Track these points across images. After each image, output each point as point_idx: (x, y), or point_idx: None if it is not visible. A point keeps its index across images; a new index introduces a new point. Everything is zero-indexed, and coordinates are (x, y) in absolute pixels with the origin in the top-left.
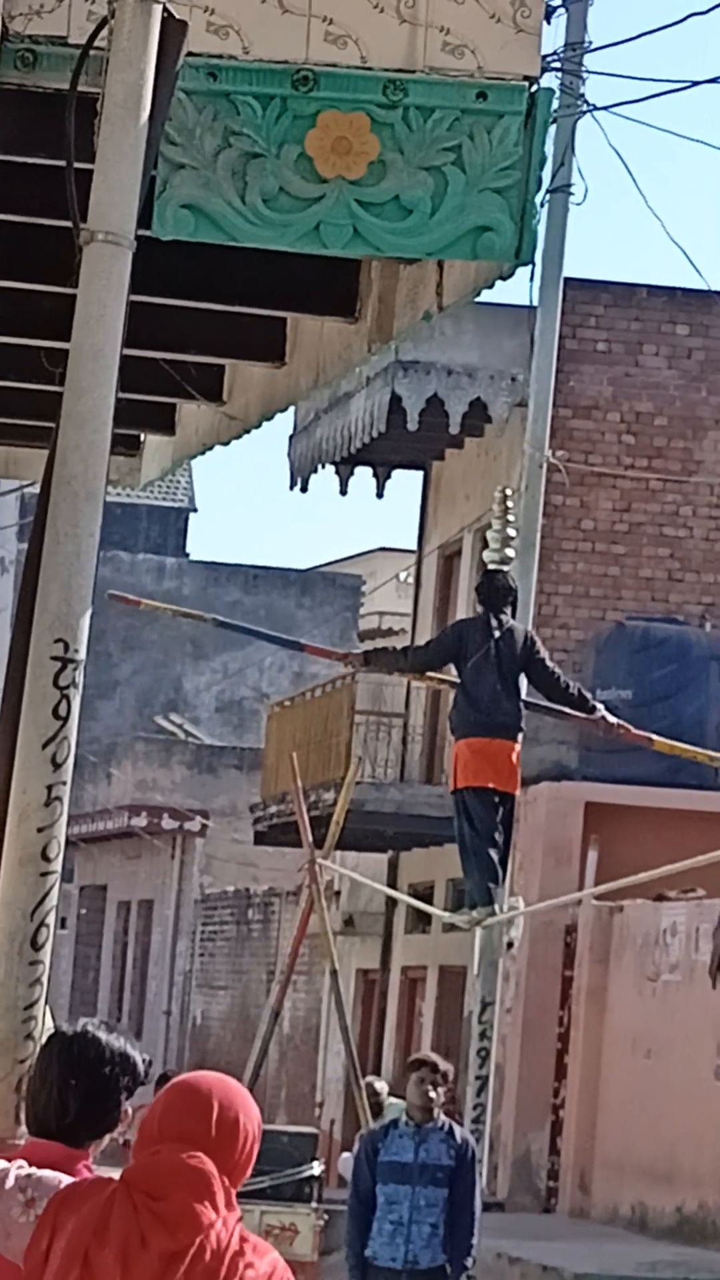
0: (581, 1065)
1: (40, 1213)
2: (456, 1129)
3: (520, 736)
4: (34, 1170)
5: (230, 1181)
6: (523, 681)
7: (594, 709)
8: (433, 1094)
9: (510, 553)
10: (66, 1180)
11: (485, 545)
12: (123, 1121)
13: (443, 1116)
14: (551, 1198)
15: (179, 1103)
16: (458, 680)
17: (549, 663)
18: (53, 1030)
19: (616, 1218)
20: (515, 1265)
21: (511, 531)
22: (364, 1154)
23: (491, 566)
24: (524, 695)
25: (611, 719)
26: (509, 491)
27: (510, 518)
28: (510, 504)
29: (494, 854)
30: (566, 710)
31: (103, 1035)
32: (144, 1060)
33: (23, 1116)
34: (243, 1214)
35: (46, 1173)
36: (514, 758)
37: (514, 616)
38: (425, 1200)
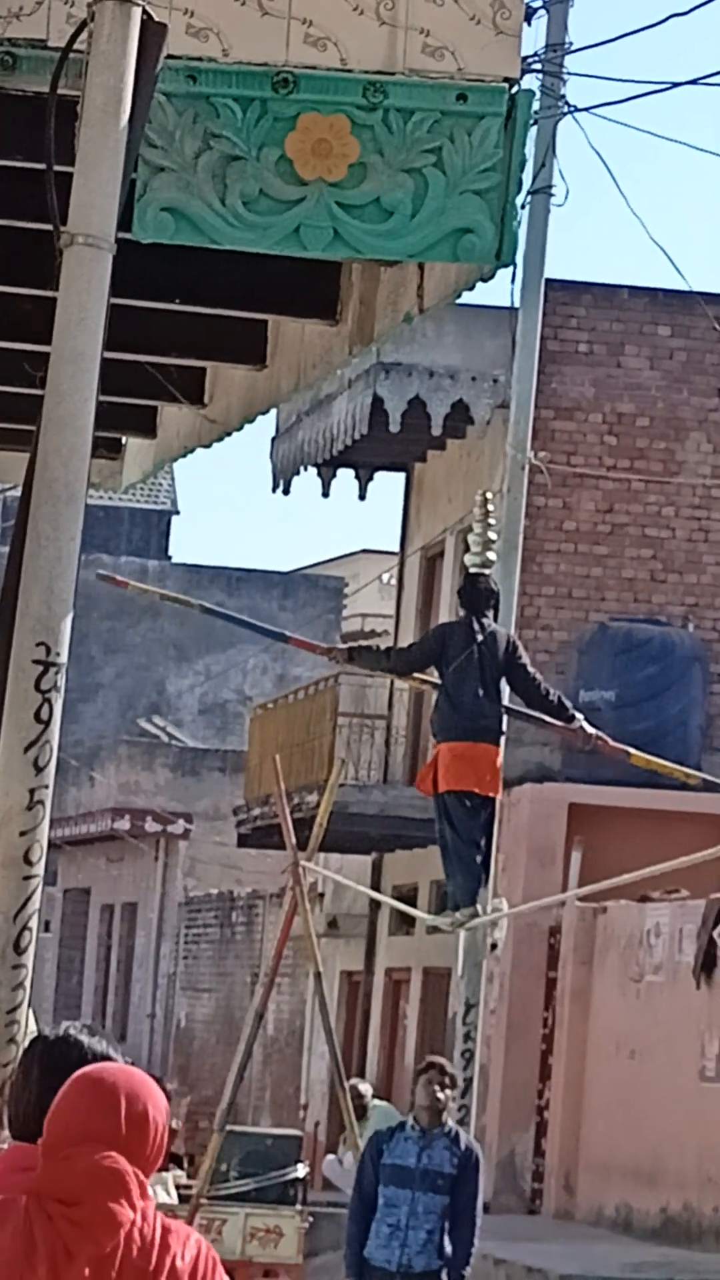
0: (566, 1066)
1: None
2: (462, 1136)
3: (502, 740)
4: None
5: (144, 1174)
6: (505, 686)
7: (573, 718)
8: (441, 1095)
9: (492, 555)
10: None
11: (467, 548)
12: None
13: (451, 1122)
14: (536, 1199)
15: (85, 1101)
16: (439, 682)
17: (530, 668)
18: (35, 1034)
19: (601, 1219)
20: (500, 1267)
21: (493, 534)
22: (369, 1155)
23: (473, 570)
24: (505, 700)
25: (590, 729)
26: (490, 495)
27: (492, 521)
28: (491, 507)
29: (476, 857)
30: (545, 718)
31: (84, 1038)
32: (127, 1064)
33: (4, 1120)
34: (228, 1217)
35: None
36: (496, 762)
37: (496, 619)
38: (424, 1206)
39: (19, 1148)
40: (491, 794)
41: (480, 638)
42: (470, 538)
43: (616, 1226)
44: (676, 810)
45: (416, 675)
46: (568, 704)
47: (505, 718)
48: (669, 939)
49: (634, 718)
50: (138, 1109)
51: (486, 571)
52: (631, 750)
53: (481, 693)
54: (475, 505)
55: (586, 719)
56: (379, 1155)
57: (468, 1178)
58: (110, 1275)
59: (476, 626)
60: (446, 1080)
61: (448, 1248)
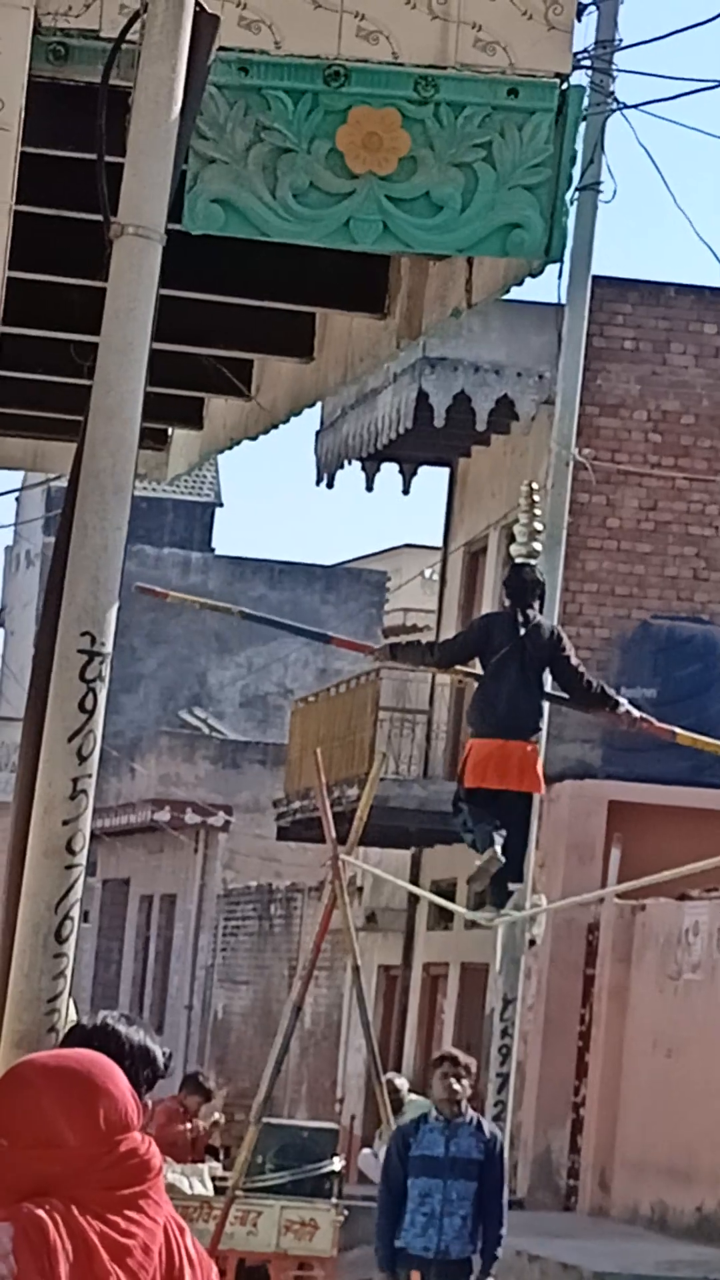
0: (602, 1064)
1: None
2: (485, 1123)
3: (537, 735)
4: None
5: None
6: (547, 677)
7: (617, 705)
8: (457, 1087)
9: (537, 546)
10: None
11: (512, 540)
12: (143, 1115)
13: (471, 1111)
14: (571, 1196)
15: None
16: (481, 675)
17: (574, 660)
18: (73, 1023)
19: (636, 1216)
20: (535, 1263)
21: (539, 525)
22: (396, 1148)
23: (519, 560)
24: (548, 688)
25: (635, 713)
26: (535, 486)
27: (538, 511)
28: (537, 498)
29: (498, 824)
30: (589, 708)
31: (122, 1028)
32: (164, 1054)
33: None
34: (263, 1210)
35: None
36: (530, 757)
37: (541, 610)
38: (456, 1193)
39: None
40: (524, 789)
41: (524, 630)
42: (515, 528)
43: (651, 1224)
44: (717, 809)
45: (459, 668)
46: (610, 691)
47: (544, 713)
48: (707, 937)
49: (675, 715)
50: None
51: (532, 562)
52: (677, 730)
53: (519, 688)
54: (521, 496)
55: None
56: (406, 1148)
57: (494, 1163)
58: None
59: (521, 618)
60: (461, 1071)
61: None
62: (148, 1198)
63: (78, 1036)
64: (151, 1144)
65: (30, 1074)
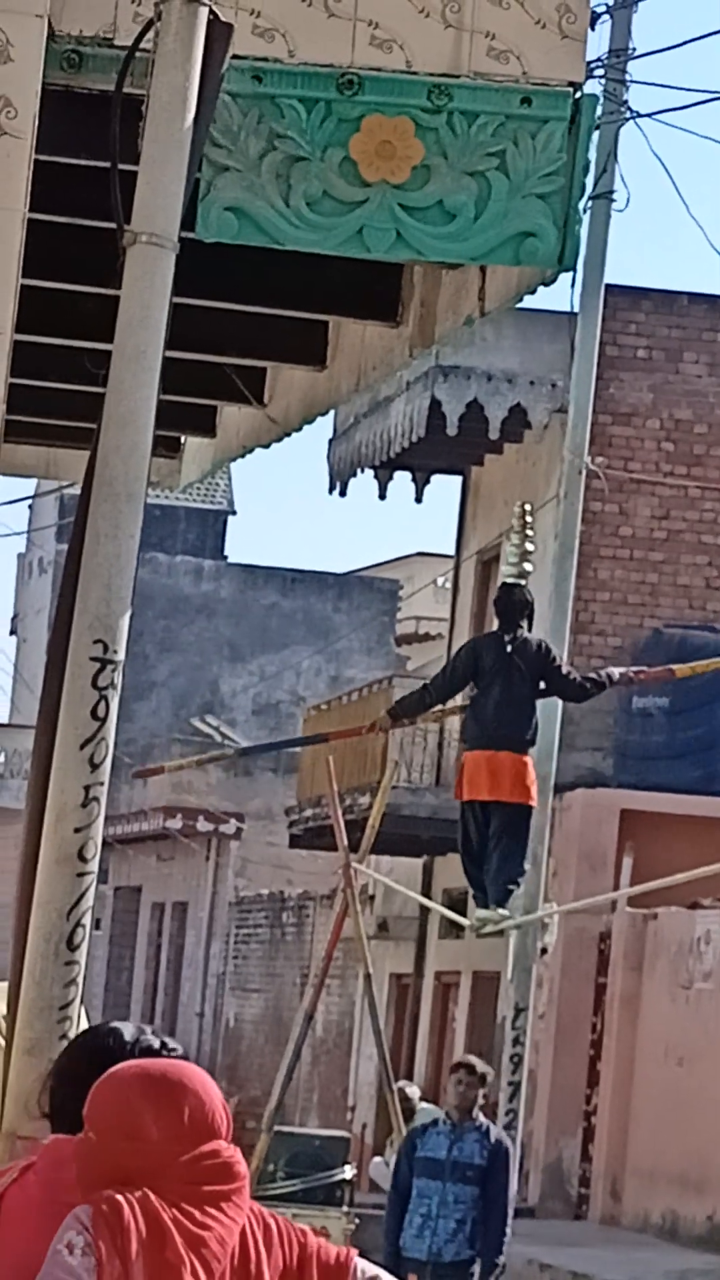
0: (614, 1072)
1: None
2: (493, 1129)
3: (529, 748)
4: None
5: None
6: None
7: (608, 679)
8: (470, 1095)
9: (528, 566)
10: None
11: (497, 559)
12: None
13: (481, 1117)
14: (582, 1204)
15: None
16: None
17: (564, 668)
18: (99, 1027)
19: (647, 1225)
20: (546, 1272)
21: (530, 546)
22: (404, 1150)
23: (509, 580)
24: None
25: (629, 672)
26: (528, 506)
27: (529, 532)
28: (529, 518)
29: (483, 867)
30: (588, 697)
31: (125, 1027)
32: (170, 1052)
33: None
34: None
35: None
36: (520, 768)
37: (530, 629)
38: (454, 1196)
39: (63, 1140)
40: (516, 799)
41: (510, 648)
42: (507, 548)
43: (662, 1233)
44: None
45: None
46: (597, 676)
47: (536, 727)
48: (719, 946)
49: (686, 724)
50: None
51: (522, 582)
52: (674, 667)
53: (503, 701)
54: (513, 516)
55: (641, 726)
56: (413, 1150)
57: (498, 1168)
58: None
59: (508, 638)
60: (475, 1079)
61: (479, 1238)
62: (229, 1200)
63: (79, 1037)
64: (238, 1153)
65: (124, 1073)
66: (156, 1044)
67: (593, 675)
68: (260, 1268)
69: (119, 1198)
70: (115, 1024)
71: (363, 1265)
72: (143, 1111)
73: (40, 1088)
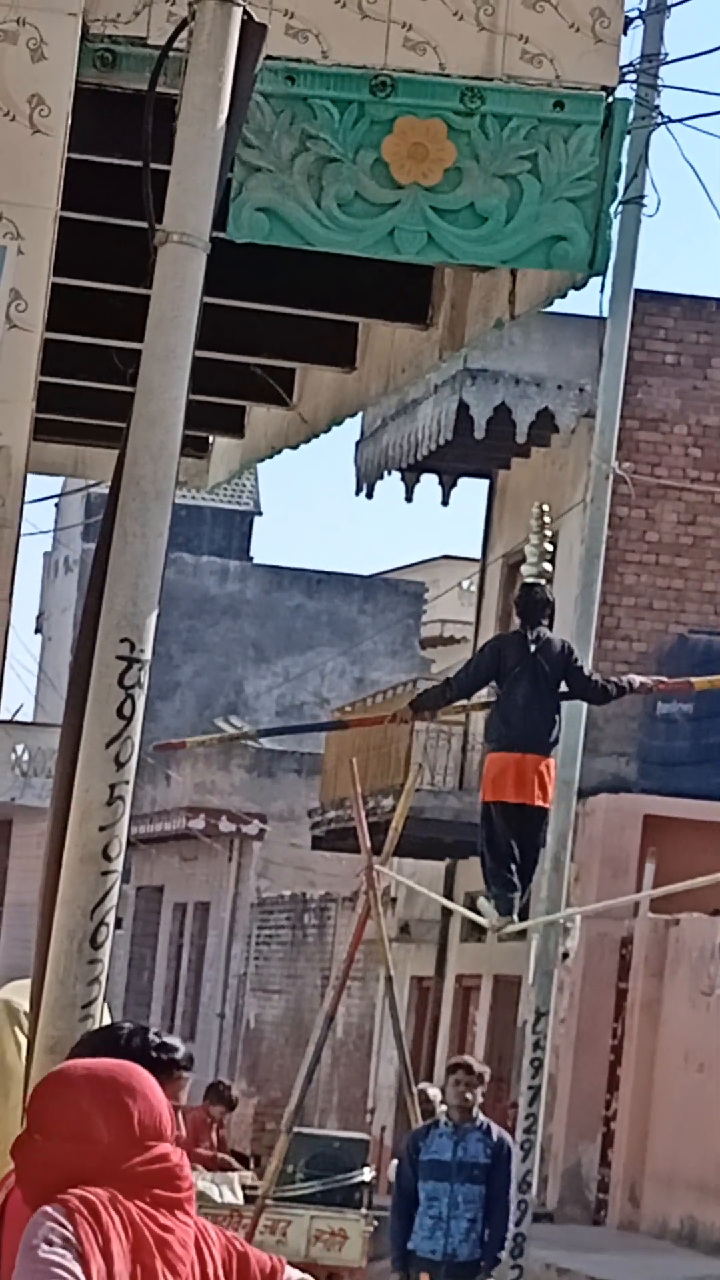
0: (634, 1078)
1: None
2: (494, 1128)
3: (552, 750)
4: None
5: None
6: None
7: (629, 685)
8: (469, 1095)
9: (548, 566)
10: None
11: (523, 559)
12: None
13: (481, 1116)
14: (601, 1210)
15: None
16: (495, 698)
17: (586, 670)
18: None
19: (666, 1231)
20: (564, 1277)
21: (549, 546)
22: (407, 1153)
23: (529, 580)
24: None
25: (648, 681)
26: (546, 507)
27: (548, 533)
28: (548, 519)
29: (513, 868)
30: (609, 701)
31: (121, 1028)
32: (169, 1052)
33: None
34: (293, 1219)
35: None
36: (543, 771)
37: (551, 629)
38: (463, 1196)
39: None
40: (536, 802)
41: (534, 647)
42: (526, 549)
43: (681, 1239)
44: None
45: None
46: (618, 681)
47: (559, 728)
48: None
49: (711, 730)
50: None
51: (542, 583)
52: (693, 680)
53: (531, 702)
54: (532, 517)
55: (664, 731)
56: (416, 1153)
57: (501, 1166)
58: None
59: (531, 636)
60: (473, 1079)
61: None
62: (181, 1207)
63: (81, 1040)
64: (184, 1157)
65: (71, 1073)
66: (156, 1043)
67: (615, 680)
68: (217, 1272)
69: (91, 1196)
70: (114, 1024)
71: (292, 1273)
72: (92, 1114)
73: None
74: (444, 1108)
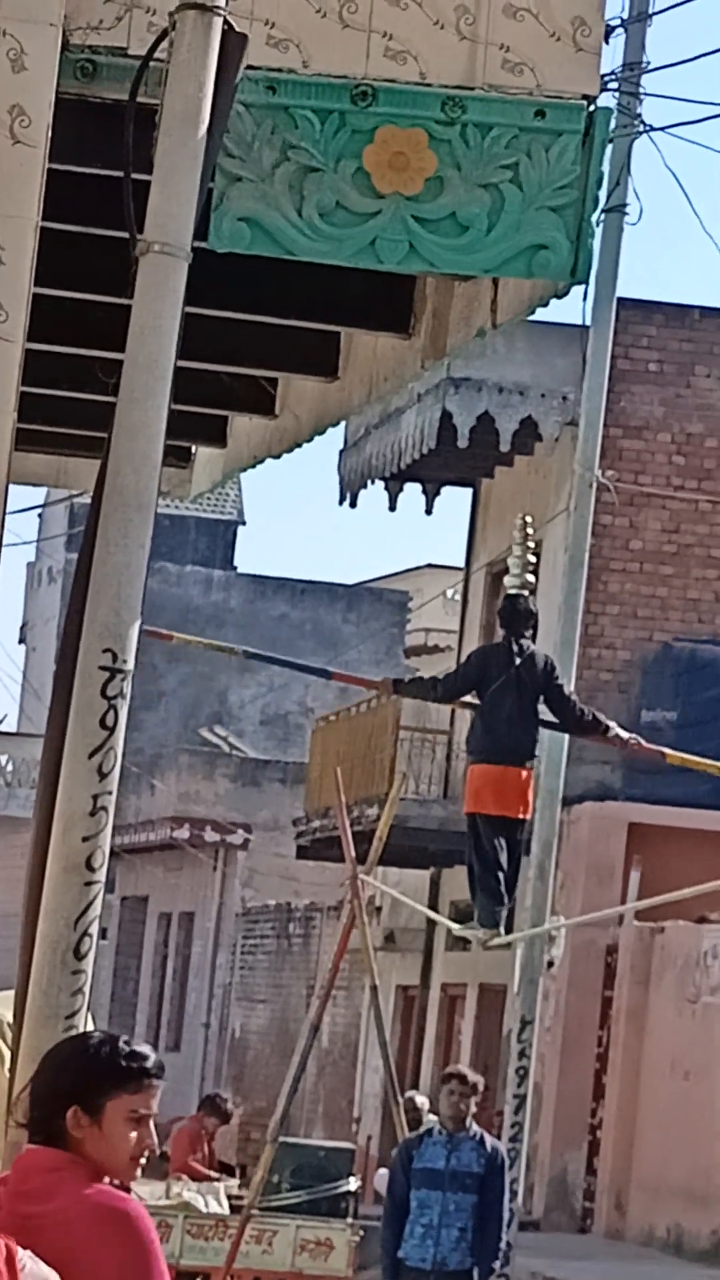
0: (620, 1086)
1: None
2: (487, 1138)
3: (533, 761)
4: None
5: None
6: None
7: (607, 729)
8: (463, 1105)
9: (531, 578)
10: None
11: (506, 570)
12: (74, 1119)
13: (475, 1126)
14: (587, 1218)
15: None
16: (478, 704)
17: (566, 689)
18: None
19: (652, 1239)
20: None
21: (532, 557)
22: (400, 1161)
23: (512, 591)
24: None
25: (624, 735)
26: (529, 518)
27: (530, 544)
28: (530, 530)
29: (500, 877)
30: (581, 734)
31: (94, 1035)
32: (139, 1060)
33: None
34: (278, 1229)
35: None
36: (525, 784)
37: (535, 640)
38: (455, 1205)
39: (35, 1150)
40: (518, 815)
41: (519, 659)
42: (509, 560)
43: (667, 1247)
44: None
45: (460, 701)
46: (600, 717)
47: (537, 740)
48: None
49: (696, 738)
50: None
51: (525, 593)
52: (666, 750)
53: (516, 714)
54: (515, 529)
55: (649, 739)
56: (409, 1161)
57: (495, 1176)
58: None
59: (515, 648)
60: (467, 1089)
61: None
62: None
63: (50, 1050)
64: None
65: None
66: (126, 1051)
67: (596, 714)
68: (15, 1274)
69: None
70: (84, 1033)
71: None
72: None
73: (24, 1098)
74: (433, 1117)
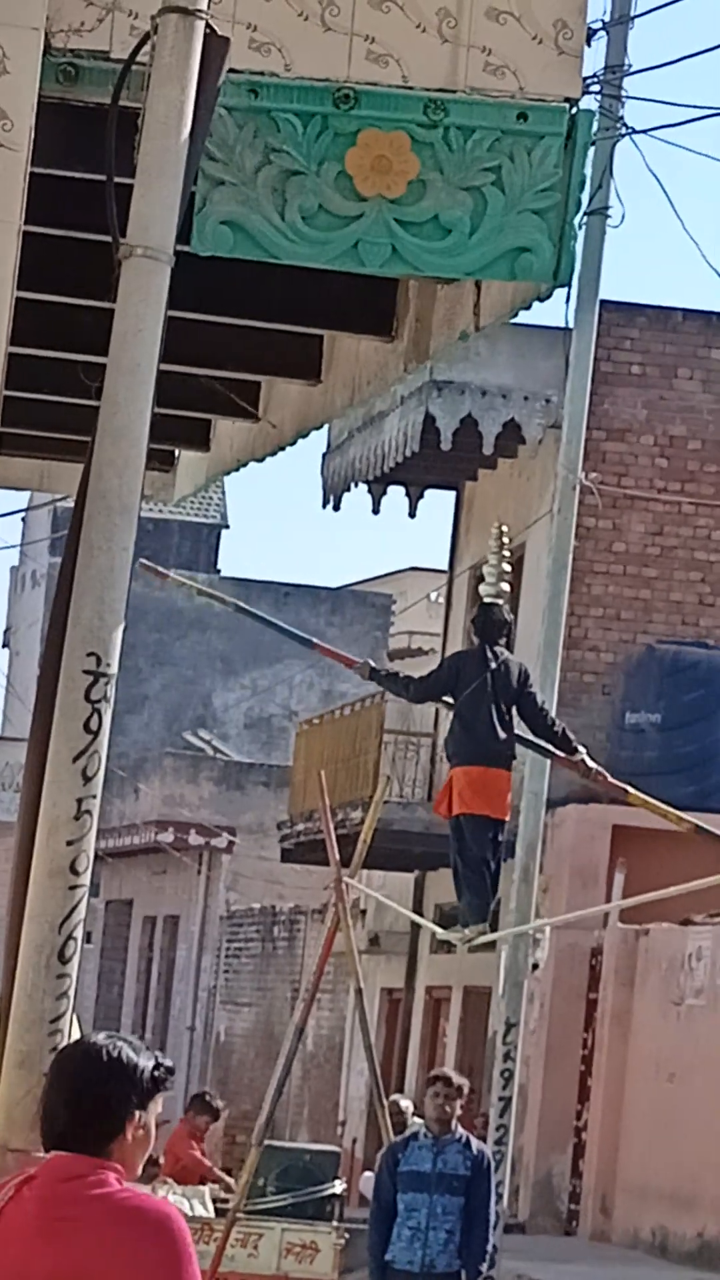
0: (604, 1088)
1: None
2: (473, 1141)
3: (512, 764)
4: None
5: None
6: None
7: (576, 750)
8: (448, 1108)
9: (505, 586)
10: None
11: (481, 579)
12: (130, 1129)
13: (460, 1129)
14: (573, 1220)
15: None
16: (452, 703)
17: (539, 699)
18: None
19: (637, 1241)
20: None
21: (507, 566)
22: (386, 1164)
23: (487, 600)
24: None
25: (591, 764)
26: (505, 527)
27: (506, 552)
28: (507, 539)
29: (486, 876)
30: (550, 748)
31: (101, 1043)
32: (150, 1068)
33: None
34: (264, 1232)
35: None
36: (507, 786)
37: (510, 649)
38: (442, 1208)
39: (64, 1157)
40: (502, 817)
41: (494, 665)
42: (485, 569)
43: (653, 1249)
44: None
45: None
46: (572, 737)
47: (514, 745)
48: (710, 962)
49: (680, 741)
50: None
51: (500, 602)
52: (629, 788)
53: (495, 719)
54: (491, 537)
55: (633, 741)
56: (395, 1164)
57: (481, 1179)
58: None
59: (490, 655)
60: (452, 1091)
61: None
62: None
63: (57, 1055)
64: None
65: None
66: (155, 1060)
67: (568, 733)
68: None
69: None
70: (87, 1040)
71: None
72: None
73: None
74: (417, 1120)
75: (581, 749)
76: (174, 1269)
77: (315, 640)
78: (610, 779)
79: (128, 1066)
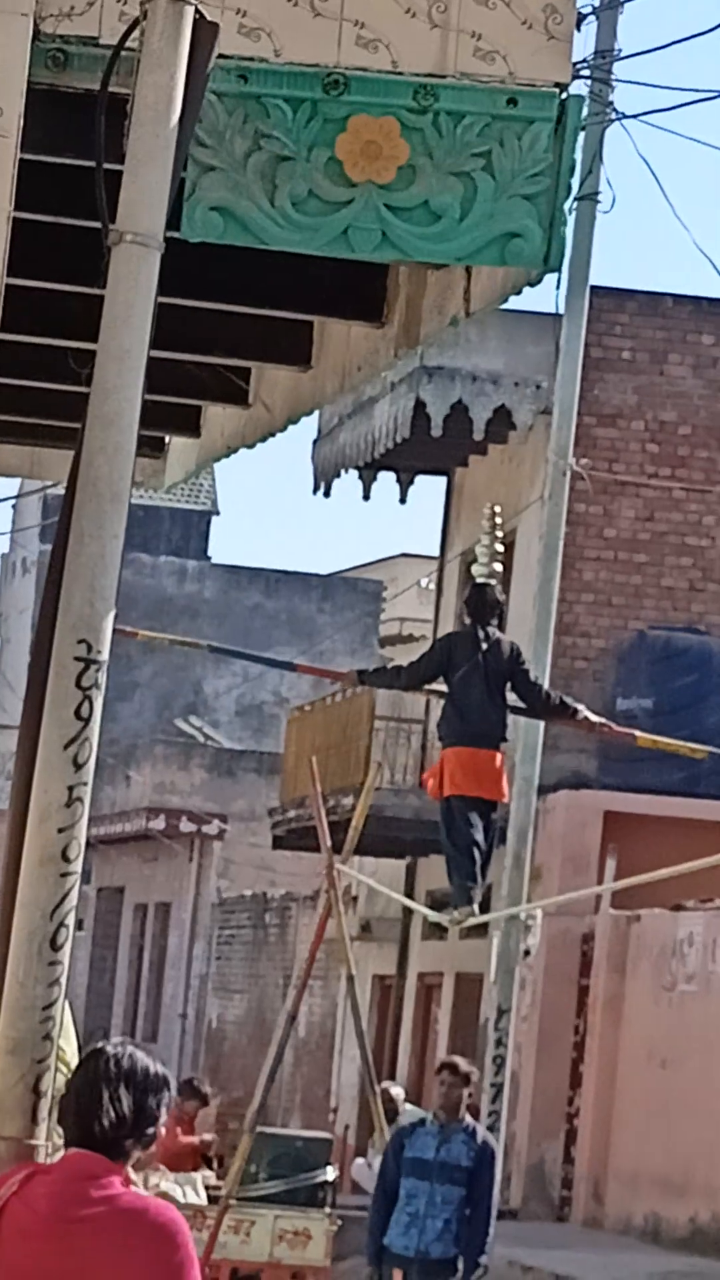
0: (597, 1074)
1: None
2: (479, 1130)
3: (504, 745)
4: None
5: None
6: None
7: (575, 711)
8: (455, 1095)
9: (498, 567)
10: None
11: (474, 560)
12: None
13: (469, 1118)
14: (565, 1207)
15: None
16: (445, 690)
17: (532, 674)
18: (96, 1045)
19: (630, 1228)
20: (528, 1274)
21: (499, 547)
22: (391, 1149)
23: (480, 580)
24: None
25: (594, 718)
26: (498, 509)
27: (498, 534)
28: (499, 520)
29: (477, 857)
30: (549, 718)
31: (142, 1053)
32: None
33: (56, 1125)
34: (256, 1219)
35: None
36: (499, 766)
37: (502, 629)
38: (441, 1197)
39: (82, 1154)
40: (495, 797)
41: (485, 646)
42: (477, 549)
43: (645, 1235)
44: (713, 819)
45: (427, 688)
46: (569, 700)
47: (508, 725)
48: (702, 948)
49: (671, 726)
50: None
51: (492, 582)
52: (636, 732)
53: (486, 699)
54: (483, 518)
55: (625, 727)
56: (401, 1149)
57: (483, 1170)
58: None
59: (481, 635)
60: (459, 1079)
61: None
62: None
63: (107, 1058)
64: None
65: None
66: (160, 1066)
67: (563, 697)
68: None
69: None
70: (131, 1046)
71: None
72: None
73: (35, 1094)
74: (409, 1108)
75: (580, 706)
76: (176, 1273)
77: (297, 662)
78: (615, 727)
79: (165, 1081)
